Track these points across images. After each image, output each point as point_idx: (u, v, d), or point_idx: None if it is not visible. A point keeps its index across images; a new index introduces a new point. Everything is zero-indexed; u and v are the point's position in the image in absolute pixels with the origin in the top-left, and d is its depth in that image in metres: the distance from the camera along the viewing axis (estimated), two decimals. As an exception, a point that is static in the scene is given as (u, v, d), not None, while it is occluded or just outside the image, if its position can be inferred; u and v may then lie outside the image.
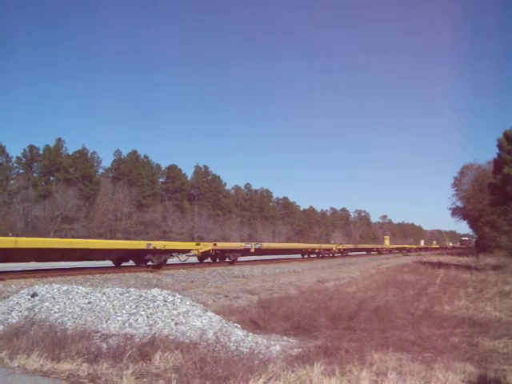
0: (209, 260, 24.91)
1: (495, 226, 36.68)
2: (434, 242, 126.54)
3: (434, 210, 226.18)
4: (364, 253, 58.46)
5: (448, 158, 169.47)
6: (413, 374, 4.87)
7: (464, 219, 55.77)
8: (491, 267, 23.67)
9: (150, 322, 6.26)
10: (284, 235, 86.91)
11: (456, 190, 53.95)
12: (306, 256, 37.31)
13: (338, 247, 45.52)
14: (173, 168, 78.45)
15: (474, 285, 15.03)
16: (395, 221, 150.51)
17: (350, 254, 49.46)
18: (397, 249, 78.06)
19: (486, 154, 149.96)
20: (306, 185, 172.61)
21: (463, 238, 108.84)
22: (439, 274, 20.34)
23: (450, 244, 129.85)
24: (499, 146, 30.62)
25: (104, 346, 5.41)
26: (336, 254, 43.06)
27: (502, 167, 29.21)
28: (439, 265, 26.80)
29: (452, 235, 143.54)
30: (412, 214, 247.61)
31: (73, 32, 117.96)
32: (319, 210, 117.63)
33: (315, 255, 38.76)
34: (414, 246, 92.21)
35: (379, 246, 69.97)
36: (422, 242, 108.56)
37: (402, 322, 7.80)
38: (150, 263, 19.13)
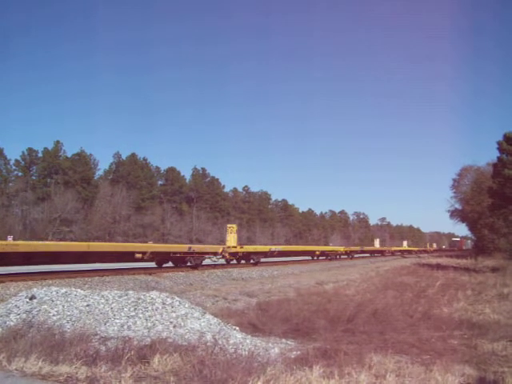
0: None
1: (494, 228, 36.77)
2: (405, 242, 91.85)
3: (433, 212, 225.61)
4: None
5: (447, 159, 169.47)
6: (412, 377, 4.87)
7: (463, 221, 55.92)
8: (490, 269, 23.69)
9: (149, 324, 6.25)
10: (282, 238, 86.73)
11: (455, 192, 54.12)
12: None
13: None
14: (171, 170, 78.40)
15: (472, 287, 15.03)
16: (394, 223, 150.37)
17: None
18: (306, 252, 38.17)
19: (485, 155, 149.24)
20: (305, 187, 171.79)
21: (454, 239, 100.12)
22: (438, 276, 20.34)
23: (434, 245, 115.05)
24: (499, 149, 30.76)
25: (102, 348, 5.40)
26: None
27: (501, 170, 29.32)
28: (438, 267, 26.82)
29: (450, 237, 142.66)
30: (411, 216, 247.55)
31: (71, 33, 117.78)
32: (318, 213, 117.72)
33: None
34: (357, 248, 53.55)
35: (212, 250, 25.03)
36: (377, 243, 75.12)
37: (400, 325, 7.79)
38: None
